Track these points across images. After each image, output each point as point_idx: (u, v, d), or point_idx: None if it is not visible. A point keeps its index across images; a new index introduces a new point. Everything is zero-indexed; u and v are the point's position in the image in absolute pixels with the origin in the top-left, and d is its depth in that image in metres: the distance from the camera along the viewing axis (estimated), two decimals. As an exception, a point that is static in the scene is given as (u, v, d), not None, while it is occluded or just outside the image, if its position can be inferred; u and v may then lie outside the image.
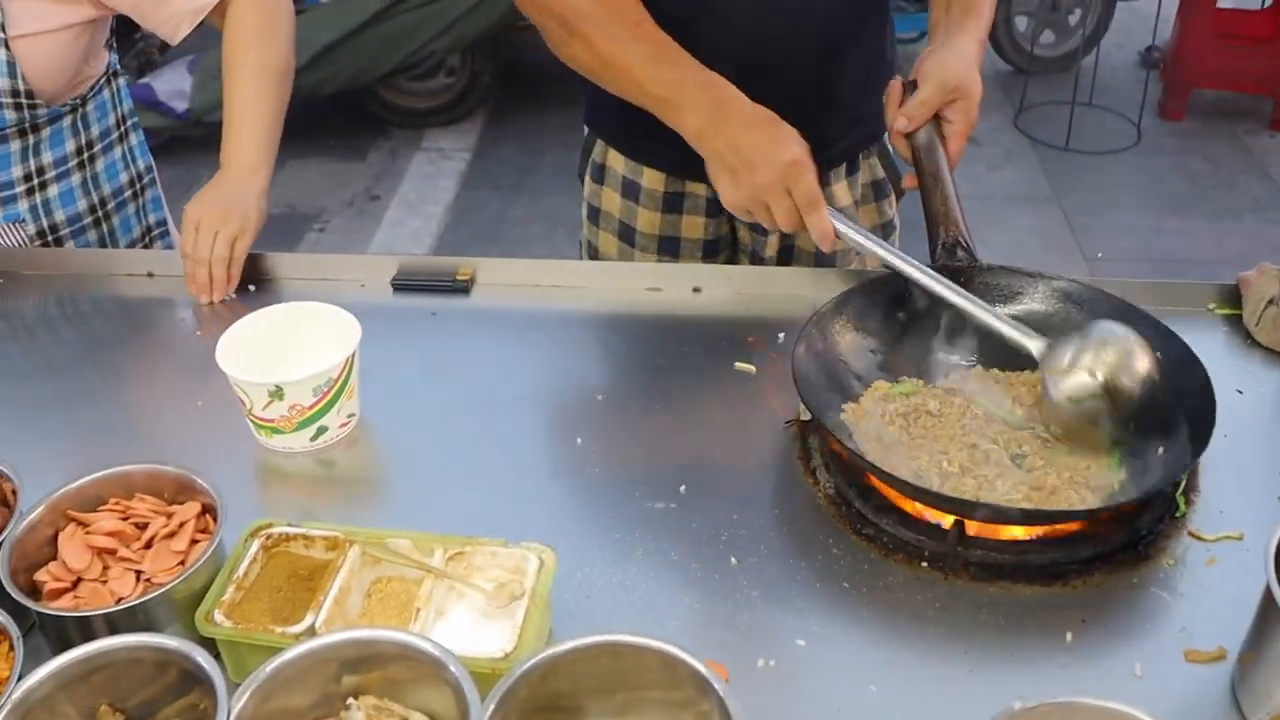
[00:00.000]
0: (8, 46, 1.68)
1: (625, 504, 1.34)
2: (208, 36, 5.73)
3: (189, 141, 5.10)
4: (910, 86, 1.60)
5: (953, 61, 1.54)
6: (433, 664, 0.99)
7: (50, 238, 1.87)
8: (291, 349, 1.45)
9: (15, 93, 1.71)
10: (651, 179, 1.85)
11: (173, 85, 5.04)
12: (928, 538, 1.27)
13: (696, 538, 1.29)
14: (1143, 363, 1.31)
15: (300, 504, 1.39)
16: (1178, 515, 1.31)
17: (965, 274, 1.50)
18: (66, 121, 1.84)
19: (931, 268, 1.47)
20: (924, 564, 1.25)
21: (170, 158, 5.23)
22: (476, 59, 5.54)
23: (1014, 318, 1.42)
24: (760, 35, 1.67)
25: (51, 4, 1.71)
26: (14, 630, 1.07)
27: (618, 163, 1.89)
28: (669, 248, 1.90)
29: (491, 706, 0.93)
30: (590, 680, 0.99)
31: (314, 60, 4.99)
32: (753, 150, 1.45)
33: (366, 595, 1.16)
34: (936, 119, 1.58)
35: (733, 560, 1.25)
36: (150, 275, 1.83)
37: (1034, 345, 1.38)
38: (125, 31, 5.44)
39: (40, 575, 1.16)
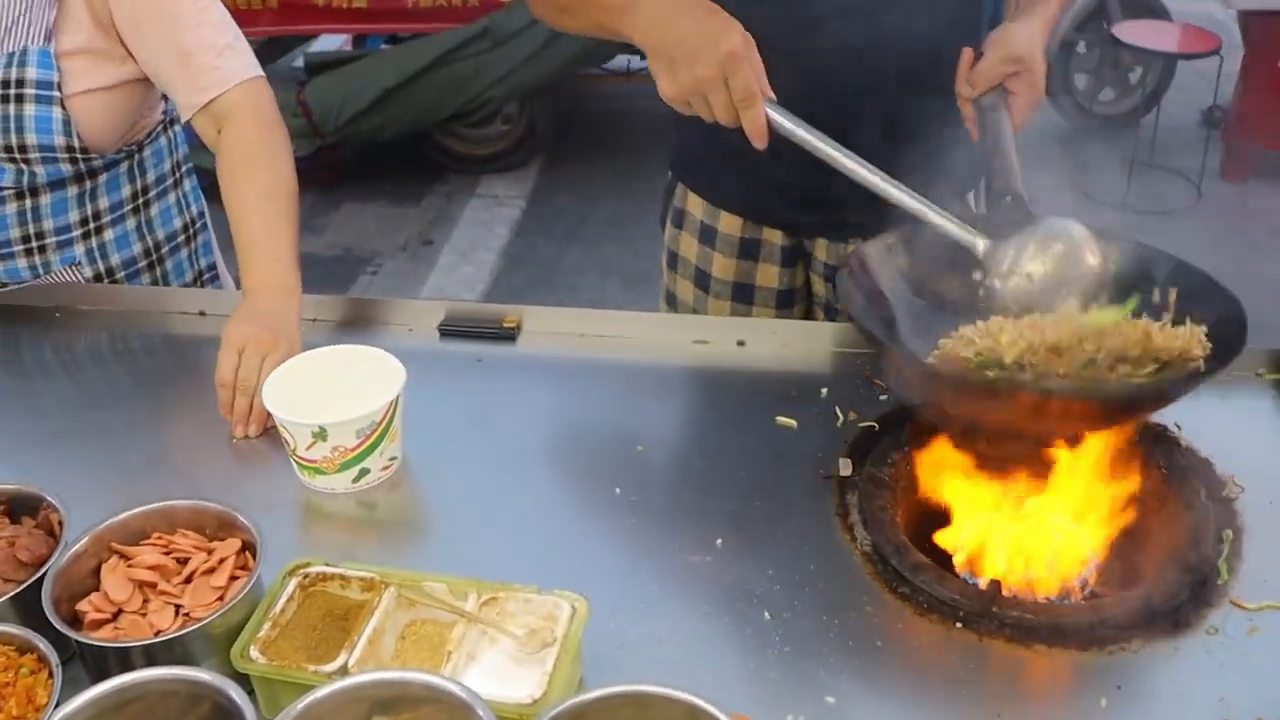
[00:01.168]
0: (64, 105, 1.72)
1: (661, 555, 1.35)
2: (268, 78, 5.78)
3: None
4: (979, 58, 1.62)
5: (1018, 36, 1.57)
6: (460, 707, 1.00)
7: (106, 281, 1.91)
8: (337, 391, 1.47)
9: (70, 149, 1.75)
10: (728, 224, 1.88)
11: (235, 127, 5.14)
12: (963, 597, 1.27)
13: (730, 592, 1.29)
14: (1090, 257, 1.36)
15: (341, 544, 1.41)
16: (1220, 582, 1.29)
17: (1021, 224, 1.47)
18: (123, 167, 1.88)
19: (990, 219, 1.47)
20: (958, 624, 1.25)
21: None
22: (534, 107, 5.61)
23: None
24: (829, 69, 1.68)
25: (106, 62, 1.75)
26: (53, 658, 1.09)
27: (697, 208, 1.91)
28: (743, 295, 1.92)
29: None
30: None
31: (373, 105, 5.08)
32: (693, 40, 1.41)
33: (400, 637, 1.17)
34: (1003, 91, 1.60)
35: (766, 615, 1.25)
36: (202, 314, 1.86)
37: (979, 243, 1.40)
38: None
39: (82, 605, 1.18)
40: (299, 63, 5.79)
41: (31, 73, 1.70)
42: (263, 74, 1.82)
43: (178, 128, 1.99)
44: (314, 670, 1.10)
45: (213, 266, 2.07)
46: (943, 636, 1.23)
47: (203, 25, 1.75)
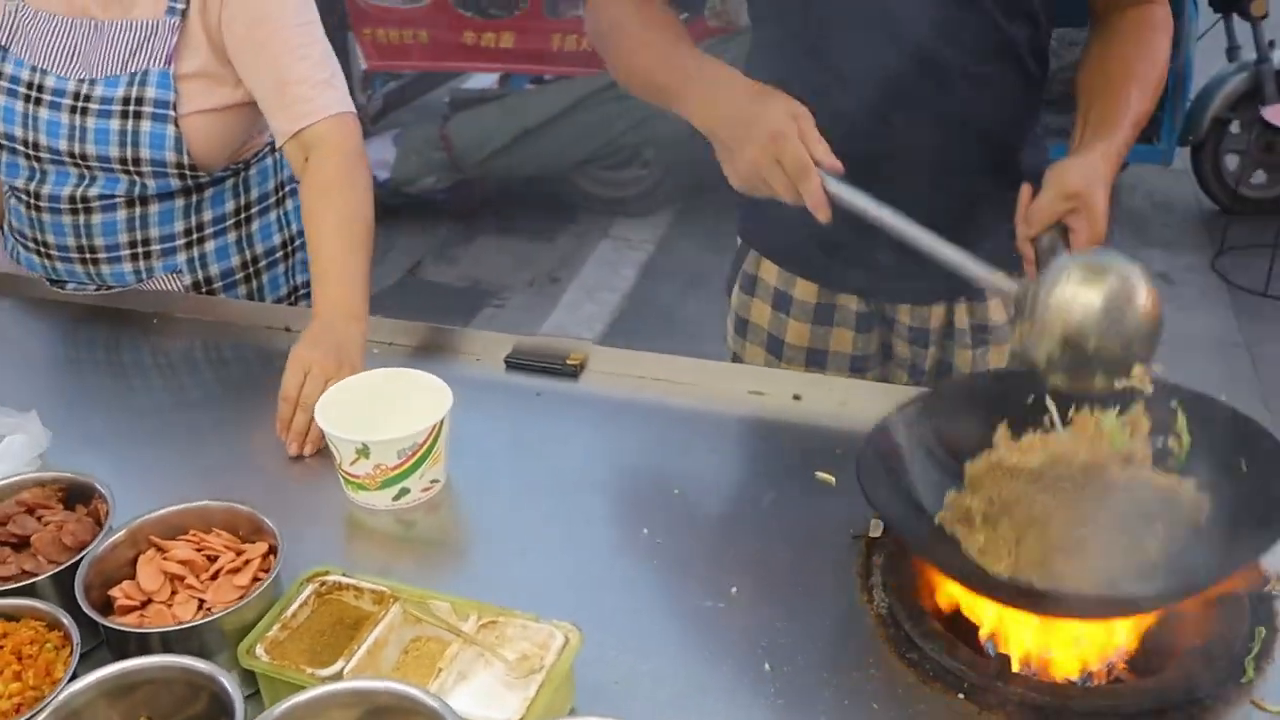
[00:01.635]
0: (177, 124, 1.84)
1: (677, 598, 1.37)
2: (415, 112, 6.06)
3: (385, 211, 5.36)
4: (1037, 194, 1.59)
5: (1076, 171, 1.52)
6: (433, 717, 1.03)
7: (204, 289, 2.01)
8: (388, 411, 1.53)
9: (180, 165, 1.87)
10: (804, 290, 1.88)
11: (377, 155, 5.35)
12: (969, 668, 1.25)
13: (738, 639, 1.30)
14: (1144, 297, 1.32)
15: (377, 558, 1.46)
16: (1244, 680, 1.25)
17: None
18: (229, 184, 1.99)
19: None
20: (960, 695, 1.23)
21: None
22: (669, 154, 5.69)
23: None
24: (884, 135, 1.68)
25: (220, 86, 1.88)
26: (75, 636, 1.16)
27: (770, 274, 1.92)
28: (817, 361, 1.91)
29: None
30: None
31: (511, 143, 5.22)
32: (739, 125, 1.43)
33: (404, 651, 1.21)
34: (1063, 228, 1.54)
35: (766, 666, 1.25)
36: (288, 330, 1.95)
37: (1007, 285, 1.39)
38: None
39: (115, 591, 1.25)
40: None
41: (150, 92, 1.83)
42: (353, 111, 1.92)
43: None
44: (310, 673, 1.14)
45: (308, 284, 2.16)
46: (943, 706, 1.22)
47: (303, 60, 1.85)
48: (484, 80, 6.11)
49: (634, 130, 5.37)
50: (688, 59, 1.58)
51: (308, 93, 1.85)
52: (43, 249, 1.98)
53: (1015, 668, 1.26)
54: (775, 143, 1.41)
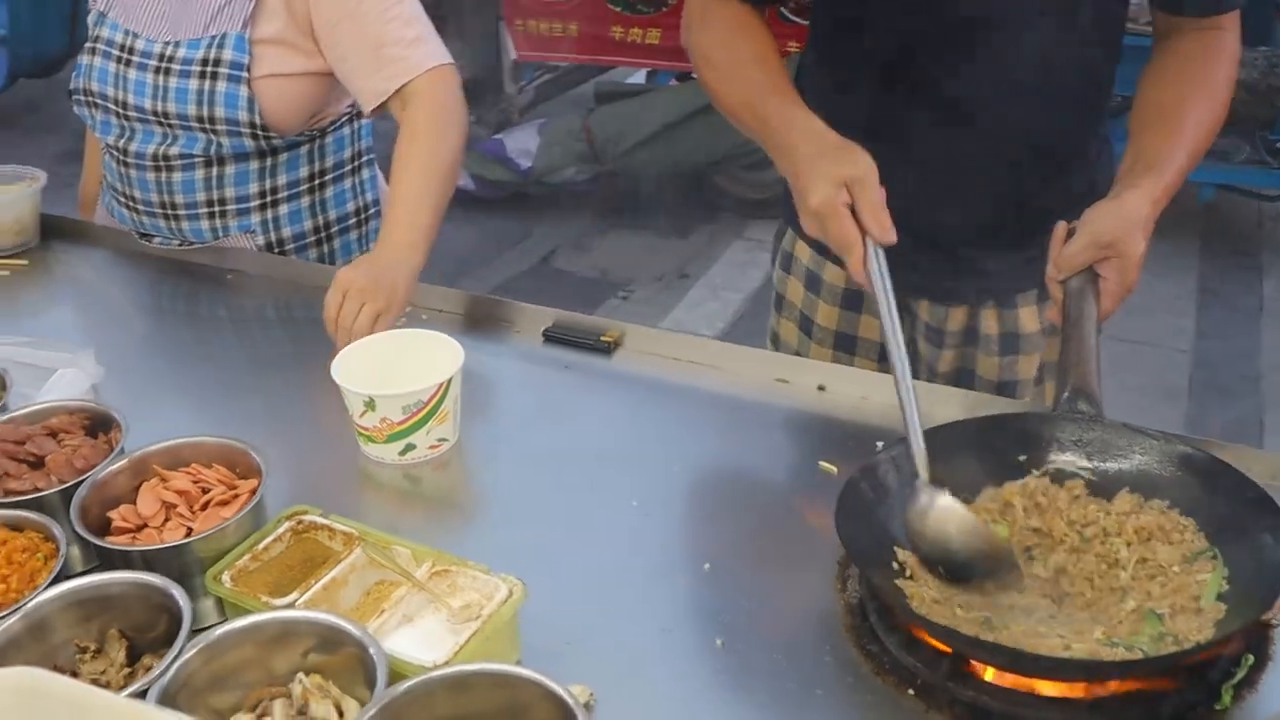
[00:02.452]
0: (250, 85, 1.94)
1: (647, 569, 1.38)
2: (564, 104, 6.16)
3: (526, 199, 5.51)
4: (1072, 233, 1.55)
5: (1113, 217, 1.47)
6: (358, 648, 1.08)
7: (277, 250, 2.11)
8: (407, 368, 1.58)
9: (252, 124, 1.97)
10: (833, 273, 1.88)
11: (521, 144, 5.46)
12: (925, 666, 1.23)
13: (696, 614, 1.31)
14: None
15: (382, 510, 1.53)
16: (1218, 707, 1.20)
17: (1086, 427, 1.44)
18: (304, 150, 2.08)
19: (1052, 412, 1.46)
20: (911, 691, 1.21)
21: (507, 211, 5.70)
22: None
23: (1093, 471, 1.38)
24: (946, 141, 1.67)
25: (294, 54, 1.97)
26: (62, 549, 1.24)
27: (804, 253, 1.92)
28: (845, 345, 1.91)
29: (375, 708, 1.01)
30: (486, 705, 1.04)
31: (651, 138, 5.27)
32: (797, 188, 1.45)
33: (365, 593, 1.26)
34: (1093, 274, 1.51)
35: (719, 642, 1.26)
36: (348, 293, 2.02)
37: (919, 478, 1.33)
38: (476, 94, 5.95)
39: (113, 513, 1.33)
40: (597, 91, 6.09)
41: (227, 54, 1.93)
42: (450, 62, 1.99)
43: (364, 121, 2.17)
44: (265, 601, 1.20)
45: (380, 250, 2.24)
46: (890, 700, 1.20)
47: (393, 20, 1.94)
48: (633, 76, 6.18)
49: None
50: (775, 105, 1.57)
51: (401, 52, 1.93)
52: (131, 203, 2.10)
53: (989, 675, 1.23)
54: (819, 219, 1.42)
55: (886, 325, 1.37)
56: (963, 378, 1.86)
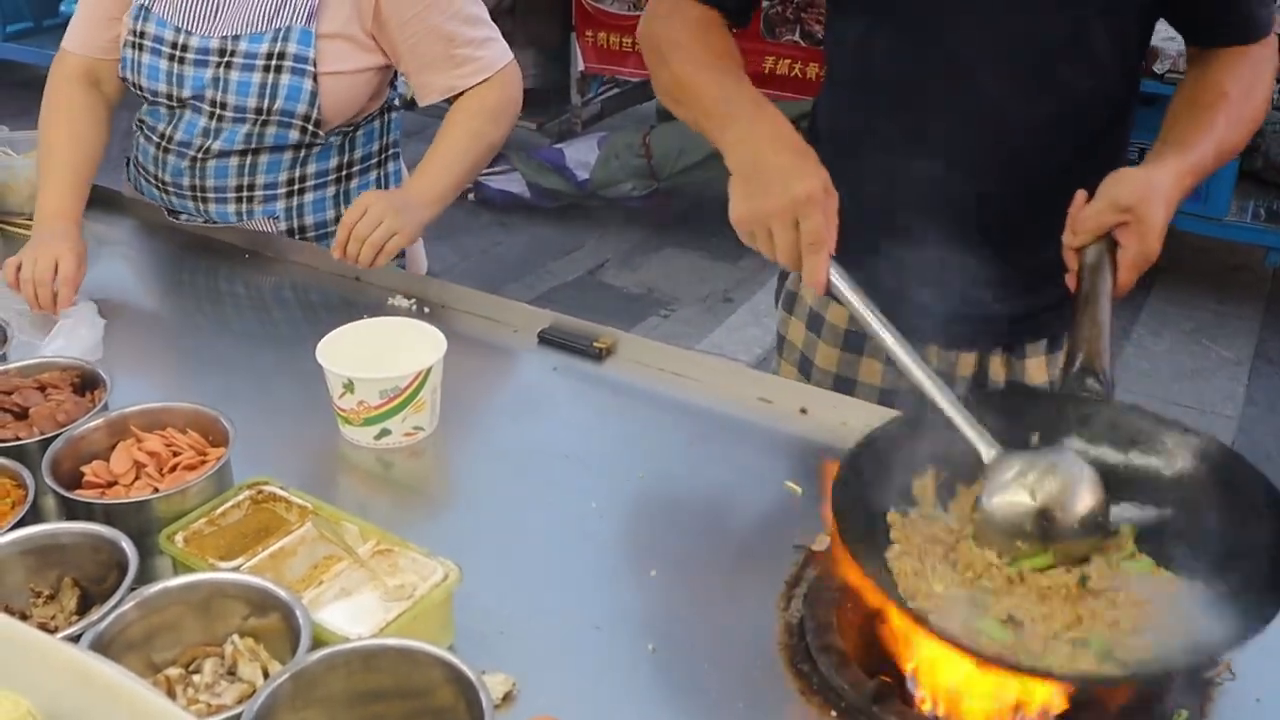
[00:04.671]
0: (316, 79, 1.98)
1: (592, 570, 1.41)
2: (629, 118, 6.17)
3: (581, 210, 5.55)
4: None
5: (1133, 181, 1.43)
6: (285, 613, 1.12)
7: (297, 236, 2.16)
8: (392, 356, 1.62)
9: (307, 118, 2.01)
10: (836, 314, 1.87)
11: (580, 155, 5.51)
12: (852, 689, 1.24)
13: (633, 618, 1.33)
14: (1085, 500, 1.24)
15: (353, 491, 1.57)
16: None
17: (1093, 406, 1.40)
18: (335, 141, 2.12)
19: (1059, 392, 1.42)
20: (834, 713, 1.22)
21: (560, 221, 5.76)
22: (867, 193, 5.65)
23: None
24: (956, 186, 1.65)
25: (357, 49, 2.02)
26: (31, 495, 1.29)
27: (808, 293, 1.92)
28: (844, 388, 1.88)
29: (288, 673, 1.04)
30: (395, 681, 1.07)
31: (707, 158, 5.28)
32: (774, 172, 1.41)
33: (314, 566, 1.29)
34: (1113, 241, 1.47)
35: (650, 647, 1.28)
36: (357, 279, 2.07)
37: (986, 451, 1.30)
38: (542, 103, 5.99)
39: (86, 468, 1.38)
40: (664, 109, 6.12)
41: (292, 47, 1.97)
42: (512, 58, 2.12)
43: (395, 115, 2.22)
44: (211, 563, 1.24)
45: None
46: None
47: (465, 20, 2.04)
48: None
49: (832, 163, 5.35)
50: (744, 94, 1.56)
51: (474, 52, 2.06)
52: (161, 185, 2.16)
53: (925, 703, 1.24)
54: (804, 205, 1.38)
55: (873, 325, 1.38)
56: None
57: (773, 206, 1.41)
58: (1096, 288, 1.45)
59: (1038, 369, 1.80)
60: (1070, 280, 1.49)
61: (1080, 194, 1.49)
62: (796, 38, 5.33)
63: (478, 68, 2.06)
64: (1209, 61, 1.62)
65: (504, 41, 2.11)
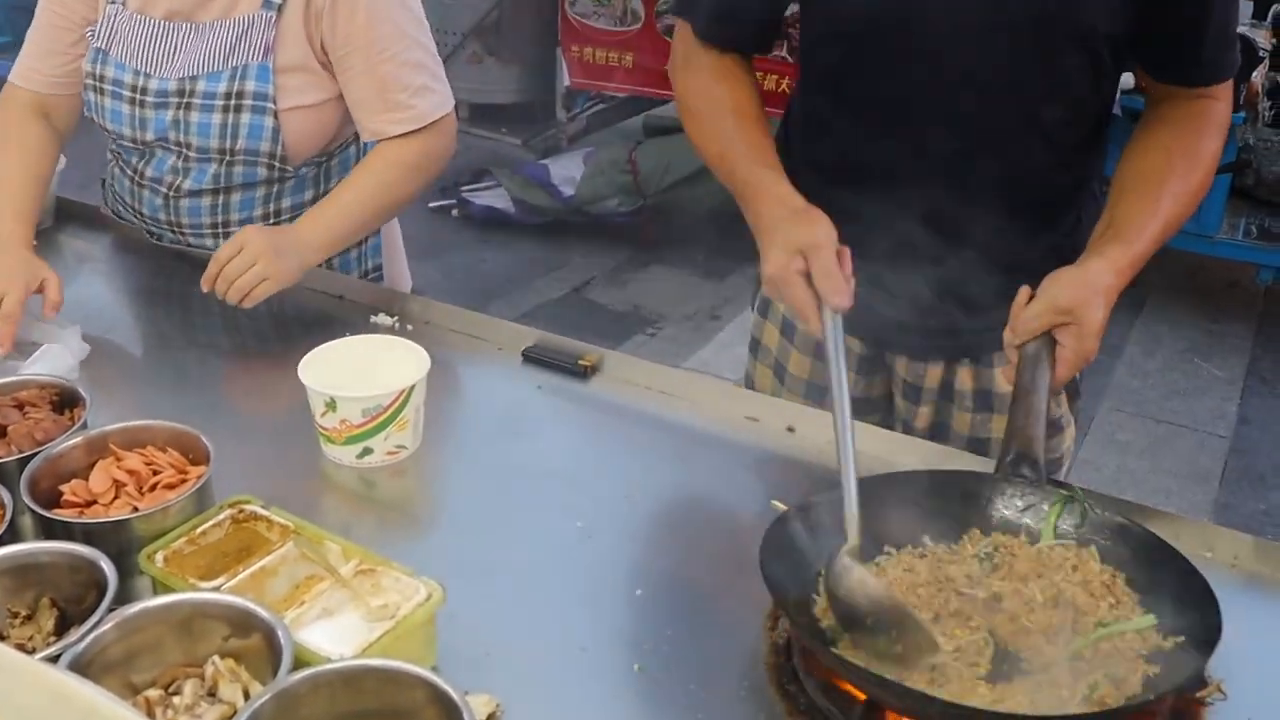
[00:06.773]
0: (276, 116, 1.96)
1: (578, 589, 1.39)
2: (615, 134, 6.20)
3: (566, 226, 5.54)
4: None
5: (1073, 284, 1.47)
6: (267, 633, 1.10)
7: None
8: (375, 374, 1.60)
9: (271, 155, 1.99)
10: None
11: (566, 171, 5.52)
12: (839, 711, 1.23)
13: (618, 638, 1.31)
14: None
15: (336, 511, 1.55)
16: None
17: (1028, 492, 1.44)
18: (309, 173, 2.10)
19: (993, 476, 1.45)
20: (821, 733, 1.22)
21: (546, 238, 5.75)
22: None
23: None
24: (927, 196, 1.64)
25: (315, 80, 1.99)
26: (8, 515, 1.27)
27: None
28: (816, 394, 1.91)
29: (270, 694, 1.02)
30: (379, 702, 1.06)
31: (693, 175, 5.29)
32: (760, 250, 1.49)
33: (296, 585, 1.28)
34: (1050, 339, 1.51)
35: (636, 668, 1.27)
36: (341, 298, 2.06)
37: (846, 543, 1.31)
38: (528, 118, 5.99)
39: (64, 487, 1.37)
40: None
41: (250, 85, 1.95)
42: (451, 110, 2.06)
43: (369, 143, 2.20)
44: (191, 583, 1.22)
45: (379, 268, 2.25)
46: (799, 740, 1.21)
47: (403, 65, 1.97)
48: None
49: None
50: (746, 164, 1.61)
51: (409, 100, 1.99)
52: (140, 216, 2.15)
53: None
54: (772, 286, 1.47)
55: (834, 389, 1.39)
56: (938, 433, 1.86)
57: (765, 287, 1.50)
58: (1035, 381, 1.49)
59: (1003, 378, 1.80)
60: (1009, 374, 1.52)
61: (1023, 291, 1.53)
62: (784, 54, 5.35)
63: (409, 117, 1.99)
64: (1164, 118, 1.64)
65: (447, 91, 2.05)
